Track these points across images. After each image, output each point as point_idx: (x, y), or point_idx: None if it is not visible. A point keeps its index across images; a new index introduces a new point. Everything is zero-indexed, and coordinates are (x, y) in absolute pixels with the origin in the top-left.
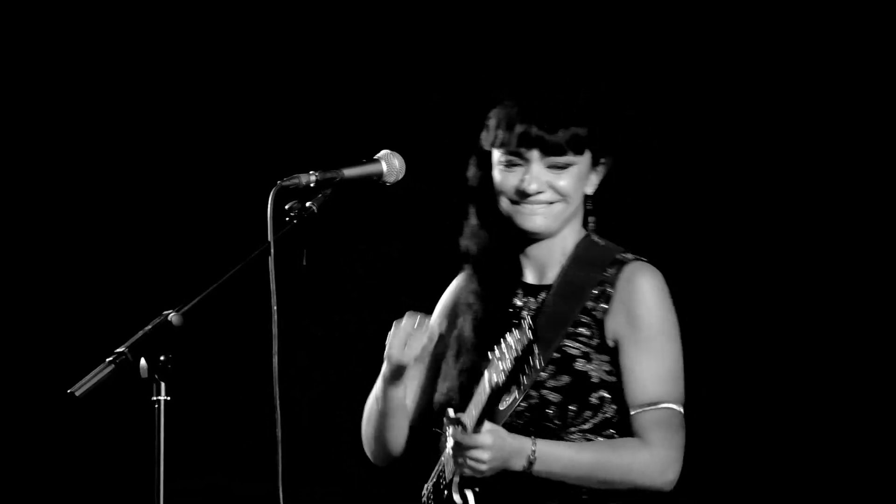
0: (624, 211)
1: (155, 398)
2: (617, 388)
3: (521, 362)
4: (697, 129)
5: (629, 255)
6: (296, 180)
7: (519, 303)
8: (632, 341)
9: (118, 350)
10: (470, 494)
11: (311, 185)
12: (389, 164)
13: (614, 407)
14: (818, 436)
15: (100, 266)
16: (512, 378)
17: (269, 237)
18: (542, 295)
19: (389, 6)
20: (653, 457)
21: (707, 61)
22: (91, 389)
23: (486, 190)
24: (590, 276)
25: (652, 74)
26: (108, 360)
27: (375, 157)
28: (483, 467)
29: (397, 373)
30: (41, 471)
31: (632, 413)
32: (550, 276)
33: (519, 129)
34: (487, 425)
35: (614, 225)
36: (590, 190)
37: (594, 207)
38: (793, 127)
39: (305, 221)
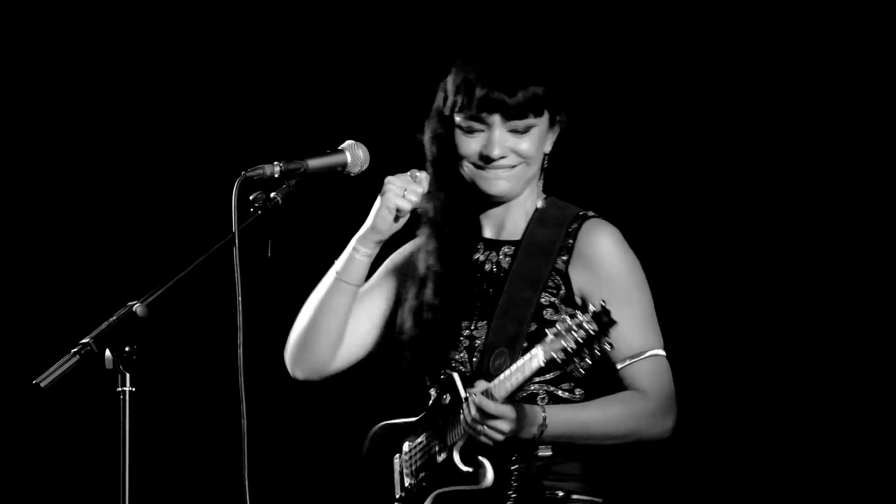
0: (579, 168)
1: (120, 389)
2: None
3: (583, 347)
4: (693, 126)
5: (590, 213)
6: (260, 171)
7: (480, 257)
8: (604, 296)
9: (83, 341)
10: (487, 463)
11: (276, 175)
12: (354, 155)
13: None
14: (817, 436)
15: (64, 257)
16: (568, 359)
17: (234, 228)
18: (505, 249)
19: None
20: (653, 405)
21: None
22: (56, 380)
23: (443, 152)
24: (555, 233)
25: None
26: (72, 351)
27: (340, 148)
28: (500, 437)
29: (384, 223)
30: (6, 462)
31: (619, 367)
32: (509, 232)
33: (479, 92)
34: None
35: (570, 182)
36: (547, 148)
37: (550, 165)
38: (786, 122)
39: (270, 212)
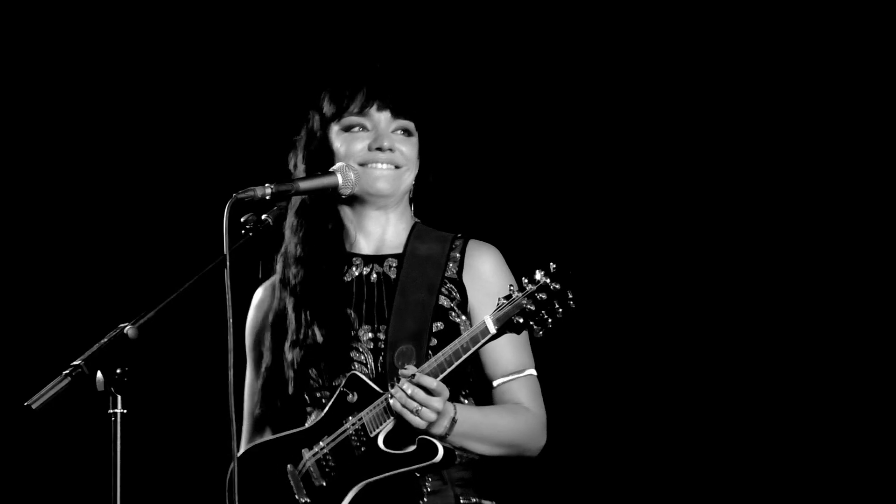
0: (445, 198)
1: (111, 411)
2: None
3: (547, 305)
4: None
5: (467, 236)
6: (251, 193)
7: (364, 271)
8: (487, 312)
9: (74, 363)
10: (440, 445)
11: (267, 197)
12: (345, 177)
13: (470, 366)
14: (817, 436)
15: (55, 279)
16: (526, 321)
17: (225, 249)
18: (389, 261)
19: (341, 16)
20: (536, 422)
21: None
22: (48, 402)
23: (316, 168)
24: (439, 247)
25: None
26: (64, 373)
27: (331, 170)
28: (433, 416)
29: None
30: None
31: (496, 383)
32: (391, 246)
33: (369, 87)
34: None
35: (436, 212)
36: (413, 174)
37: (415, 195)
38: (785, 122)
39: (261, 234)
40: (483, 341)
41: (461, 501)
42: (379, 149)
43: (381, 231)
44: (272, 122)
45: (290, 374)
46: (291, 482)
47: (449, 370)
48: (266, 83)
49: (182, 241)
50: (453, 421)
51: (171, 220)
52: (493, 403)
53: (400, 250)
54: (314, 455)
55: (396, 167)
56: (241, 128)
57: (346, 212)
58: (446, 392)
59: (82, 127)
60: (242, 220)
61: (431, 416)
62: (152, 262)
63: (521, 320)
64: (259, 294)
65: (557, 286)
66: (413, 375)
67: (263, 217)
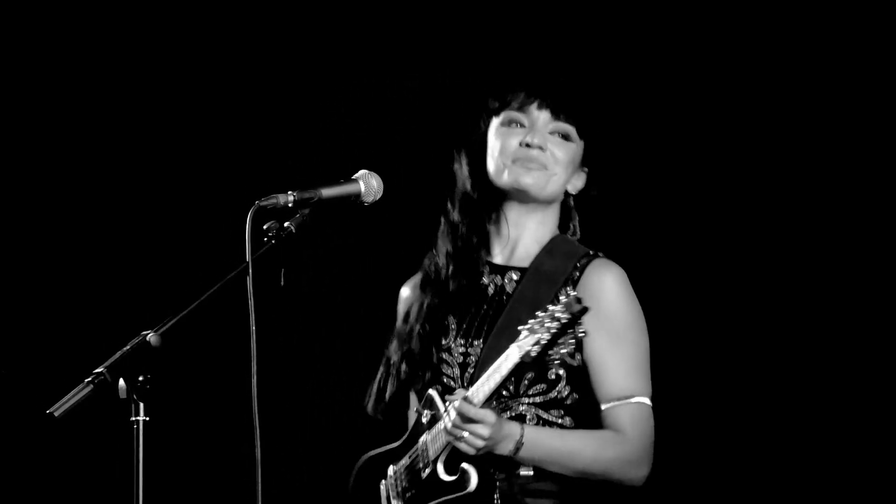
0: (600, 219)
1: (134, 419)
2: (576, 373)
3: (557, 337)
4: (692, 132)
5: (600, 253)
6: (274, 200)
7: (485, 280)
8: (602, 333)
9: (97, 371)
10: (470, 468)
11: (289, 205)
12: (367, 185)
13: (568, 388)
14: (816, 436)
15: (78, 287)
16: (542, 352)
17: (248, 257)
18: (511, 274)
19: (368, 27)
20: (631, 451)
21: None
22: (70, 410)
23: (476, 175)
24: (563, 264)
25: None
26: (86, 380)
27: (353, 178)
28: (480, 443)
29: None
30: (21, 492)
31: (604, 407)
32: (519, 259)
33: (529, 87)
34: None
35: (592, 232)
36: (572, 189)
37: (575, 210)
38: (784, 127)
39: (283, 241)
40: (507, 371)
41: None
42: (528, 145)
43: (516, 237)
44: (295, 129)
45: (393, 373)
46: (382, 500)
47: (493, 389)
48: (290, 88)
49: (204, 249)
50: (519, 445)
51: (194, 228)
52: (601, 427)
53: (527, 264)
54: (395, 474)
55: (543, 166)
56: (265, 135)
57: (492, 213)
58: (490, 417)
59: (107, 134)
60: (265, 227)
61: (477, 442)
62: (174, 270)
63: (539, 351)
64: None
65: (567, 317)
66: (463, 398)
67: (286, 224)
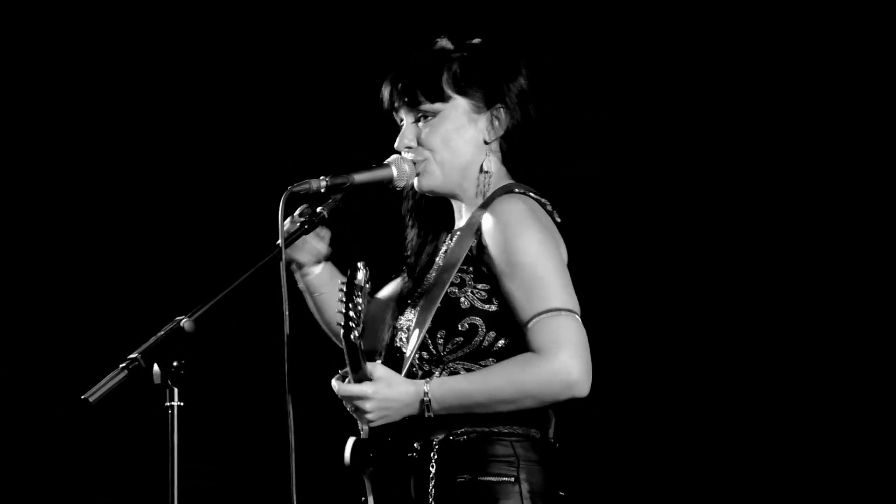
0: (601, 219)
1: (168, 404)
2: (496, 317)
3: (346, 303)
4: (693, 132)
5: (517, 190)
6: (306, 185)
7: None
8: (501, 274)
9: (131, 356)
10: (362, 429)
11: (322, 190)
12: (400, 169)
13: (492, 334)
14: (815, 437)
15: (113, 273)
16: (345, 321)
17: (281, 242)
18: (454, 234)
19: (399, 14)
20: (547, 364)
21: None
22: (104, 395)
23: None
24: (477, 216)
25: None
26: (121, 366)
27: (386, 162)
28: (370, 416)
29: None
30: (56, 476)
31: (524, 336)
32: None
33: (386, 87)
34: (380, 371)
35: (591, 231)
36: (488, 137)
37: (509, 153)
38: (782, 123)
39: (316, 226)
40: (345, 345)
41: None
42: (400, 152)
43: (457, 206)
44: (328, 115)
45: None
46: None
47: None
48: (322, 79)
49: (237, 234)
50: (424, 401)
51: (227, 214)
52: None
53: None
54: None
55: (423, 160)
56: (297, 121)
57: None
58: (368, 390)
59: (140, 118)
60: (297, 212)
61: (368, 416)
62: (207, 256)
63: (342, 322)
64: None
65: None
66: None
67: (318, 209)
